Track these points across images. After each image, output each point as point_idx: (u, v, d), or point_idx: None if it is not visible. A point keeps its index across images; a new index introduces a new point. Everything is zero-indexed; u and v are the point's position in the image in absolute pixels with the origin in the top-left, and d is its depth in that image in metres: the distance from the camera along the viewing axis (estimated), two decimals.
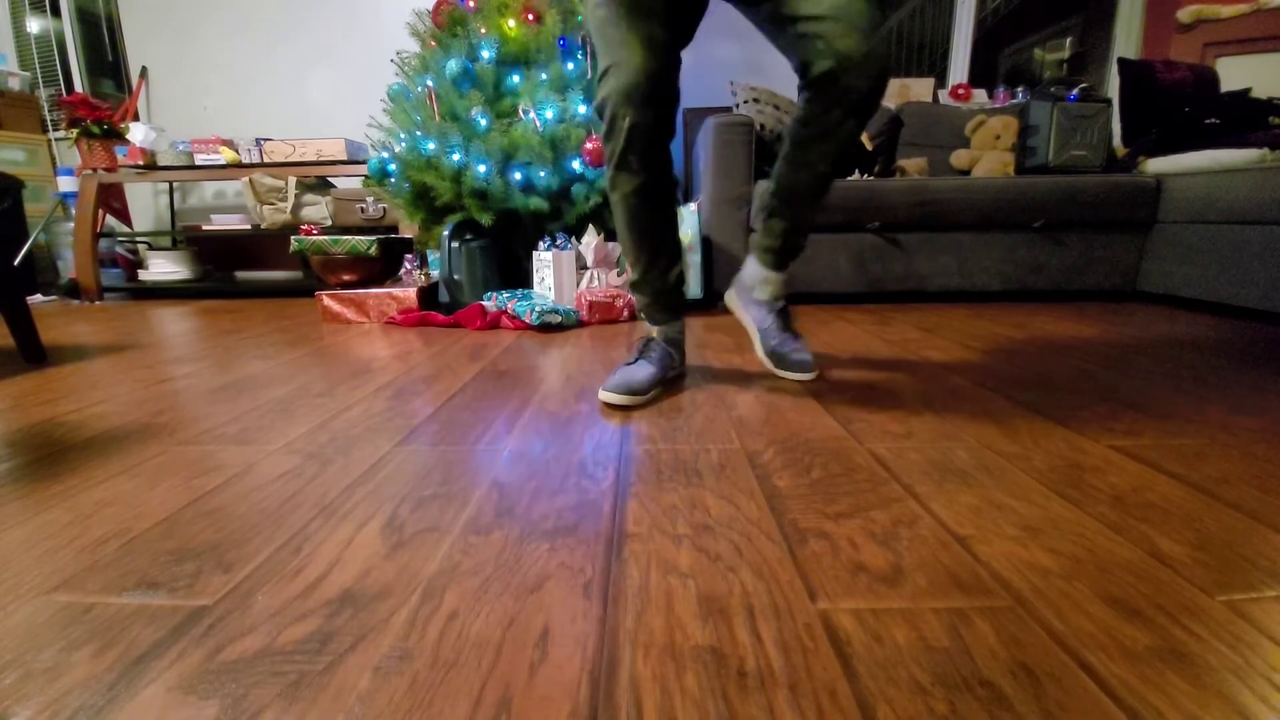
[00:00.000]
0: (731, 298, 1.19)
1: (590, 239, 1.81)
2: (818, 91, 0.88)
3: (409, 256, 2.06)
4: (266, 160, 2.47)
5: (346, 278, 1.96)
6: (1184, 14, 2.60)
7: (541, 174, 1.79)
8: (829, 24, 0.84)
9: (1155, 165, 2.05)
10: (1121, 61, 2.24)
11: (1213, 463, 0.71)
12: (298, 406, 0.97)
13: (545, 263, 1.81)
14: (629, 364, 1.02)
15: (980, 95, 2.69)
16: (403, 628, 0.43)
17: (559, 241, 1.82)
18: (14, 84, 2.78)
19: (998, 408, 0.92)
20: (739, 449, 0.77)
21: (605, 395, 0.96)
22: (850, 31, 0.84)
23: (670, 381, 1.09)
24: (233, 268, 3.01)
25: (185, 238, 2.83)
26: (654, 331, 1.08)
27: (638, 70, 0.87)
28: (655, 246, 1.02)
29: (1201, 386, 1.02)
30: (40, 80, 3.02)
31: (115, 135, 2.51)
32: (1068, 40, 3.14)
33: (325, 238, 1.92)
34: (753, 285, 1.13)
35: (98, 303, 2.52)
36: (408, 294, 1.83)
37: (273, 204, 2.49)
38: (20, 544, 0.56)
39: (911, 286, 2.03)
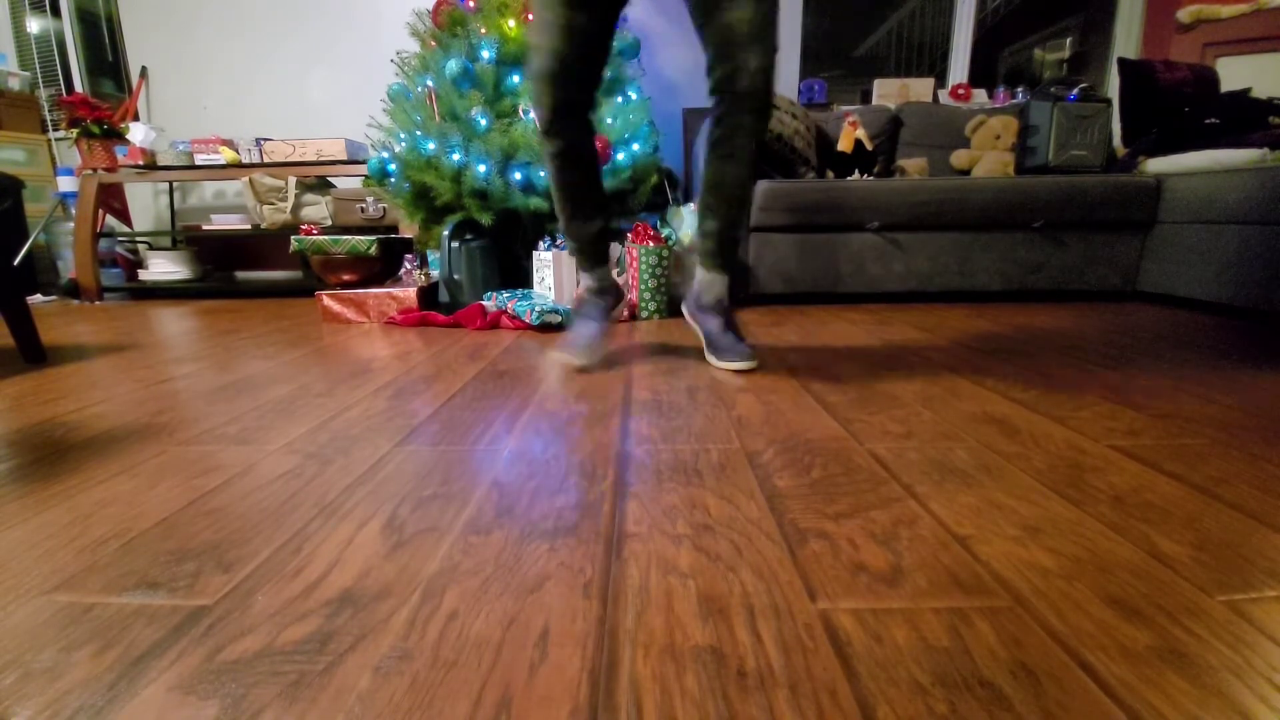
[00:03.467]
0: (687, 309, 1.29)
1: None
2: (719, 93, 1.06)
3: (409, 256, 2.06)
4: (266, 160, 2.47)
5: (346, 278, 1.96)
6: (1184, 14, 2.60)
7: (541, 174, 1.79)
8: (722, 45, 1.00)
9: (1155, 165, 2.05)
10: (1121, 61, 2.24)
11: (1213, 463, 0.71)
12: (298, 406, 0.97)
13: (545, 263, 1.81)
14: (572, 327, 1.20)
15: (980, 95, 2.69)
16: (403, 628, 0.43)
17: (559, 241, 1.82)
18: (14, 84, 2.78)
19: (998, 408, 0.92)
20: (739, 449, 0.77)
21: (563, 356, 1.13)
22: (741, 54, 0.99)
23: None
24: (233, 268, 3.01)
25: (185, 238, 2.83)
26: (580, 290, 1.25)
27: (555, 56, 1.02)
28: (576, 200, 1.18)
29: (1201, 387, 1.02)
30: (40, 80, 3.02)
31: (115, 135, 2.51)
32: (1068, 40, 3.14)
33: (325, 238, 1.92)
34: (700, 291, 1.23)
35: (98, 303, 2.52)
36: (408, 294, 1.83)
37: (273, 204, 2.49)
38: (20, 544, 0.56)
39: (911, 286, 2.03)
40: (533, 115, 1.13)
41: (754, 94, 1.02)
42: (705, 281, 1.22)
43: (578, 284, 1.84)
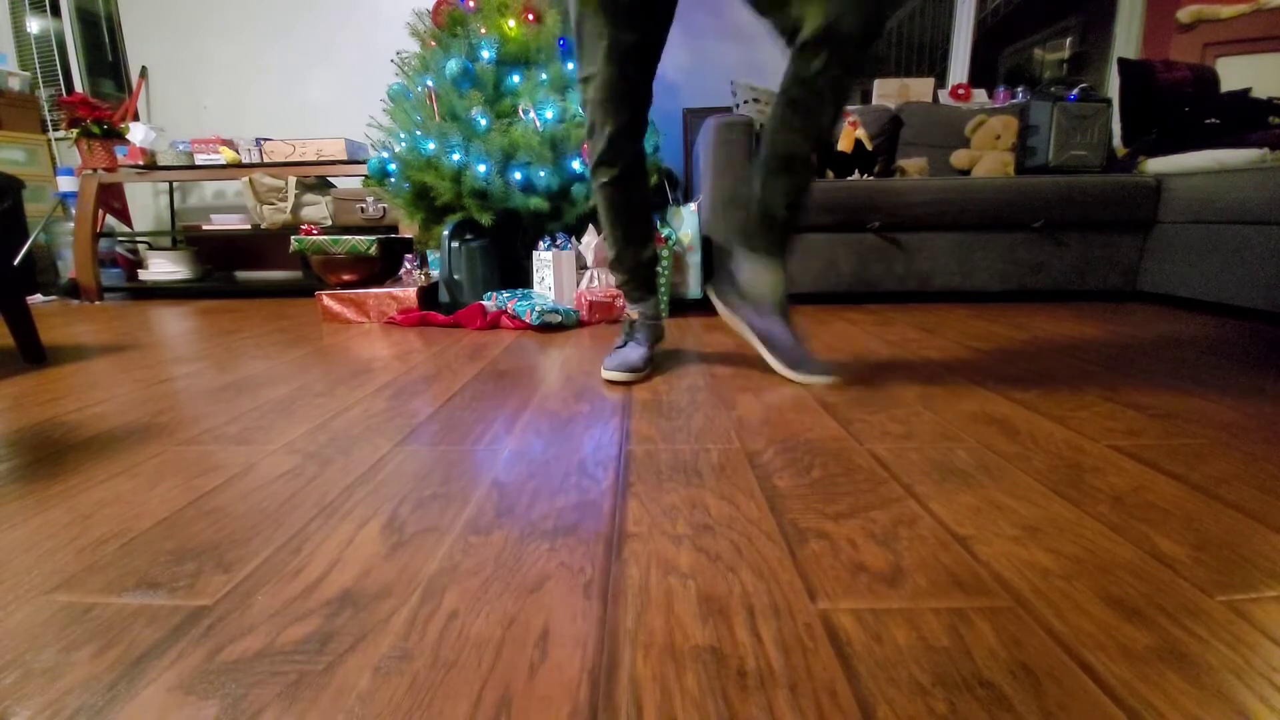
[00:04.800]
0: (727, 305, 1.11)
1: (590, 239, 1.81)
2: (814, 46, 0.85)
3: (409, 256, 2.06)
4: (266, 160, 2.47)
5: (346, 278, 1.96)
6: (1184, 14, 2.60)
7: (541, 174, 1.79)
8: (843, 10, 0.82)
9: (1155, 165, 2.05)
10: (1121, 61, 2.24)
11: (1213, 463, 0.71)
12: (298, 406, 0.97)
13: (545, 263, 1.81)
14: (621, 346, 1.15)
15: (980, 95, 2.69)
16: (403, 628, 0.43)
17: (559, 241, 1.82)
18: (14, 84, 2.78)
19: (998, 408, 0.92)
20: (739, 449, 0.77)
21: (609, 375, 1.07)
22: None
23: (658, 353, 1.24)
24: (233, 268, 3.01)
25: (185, 238, 2.83)
26: (634, 313, 1.19)
27: (611, 81, 0.98)
28: (630, 229, 1.14)
29: (1201, 386, 1.02)
30: (40, 80, 3.02)
31: (115, 135, 2.51)
32: (1068, 40, 3.14)
33: (325, 238, 1.92)
34: (753, 286, 1.06)
35: (98, 303, 2.52)
36: (408, 294, 1.83)
37: (273, 204, 2.49)
38: (20, 544, 0.56)
39: (911, 286, 2.03)
40: (587, 147, 1.08)
41: (862, 36, 0.84)
42: (761, 274, 1.05)
43: (578, 284, 1.84)
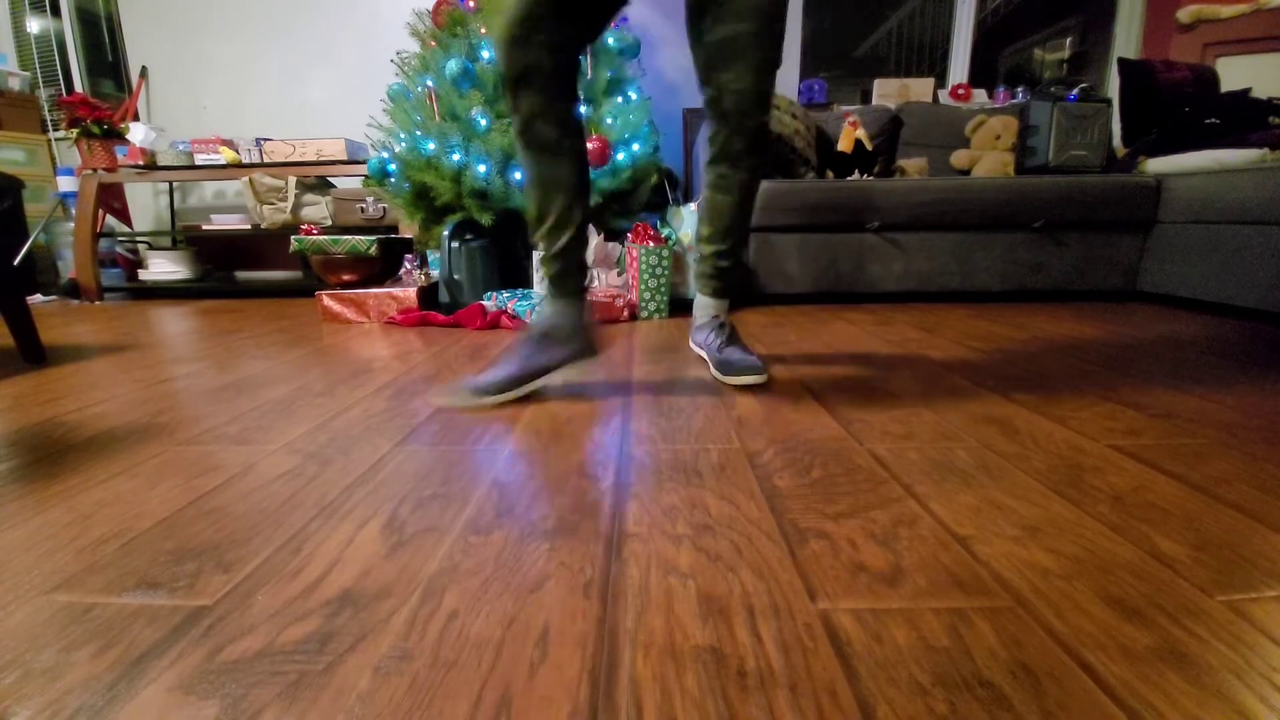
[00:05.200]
0: (691, 341, 1.23)
1: (590, 239, 1.81)
2: (710, 109, 1.00)
3: (409, 256, 2.06)
4: (266, 160, 2.47)
5: (346, 278, 1.96)
6: (1184, 14, 2.60)
7: None
8: (723, 87, 0.95)
9: (1155, 165, 2.05)
10: (1121, 61, 2.24)
11: (1213, 463, 0.71)
12: (298, 406, 0.97)
13: None
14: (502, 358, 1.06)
15: (980, 95, 2.69)
16: (403, 628, 0.43)
17: None
18: (14, 84, 2.78)
19: (998, 408, 0.92)
20: (739, 449, 0.77)
21: (434, 395, 1.00)
22: (736, 84, 0.94)
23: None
24: (233, 268, 3.01)
25: (185, 238, 2.83)
26: (545, 320, 1.00)
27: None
28: (554, 190, 0.96)
29: (1201, 386, 1.02)
30: (40, 80, 3.01)
31: (115, 135, 2.51)
32: (1068, 40, 3.14)
33: (325, 238, 1.92)
34: (699, 316, 1.19)
35: (98, 303, 2.52)
36: (408, 294, 1.83)
37: (273, 204, 2.49)
38: (20, 544, 0.56)
39: (911, 286, 2.03)
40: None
41: (738, 116, 0.95)
42: (701, 305, 1.18)
43: None
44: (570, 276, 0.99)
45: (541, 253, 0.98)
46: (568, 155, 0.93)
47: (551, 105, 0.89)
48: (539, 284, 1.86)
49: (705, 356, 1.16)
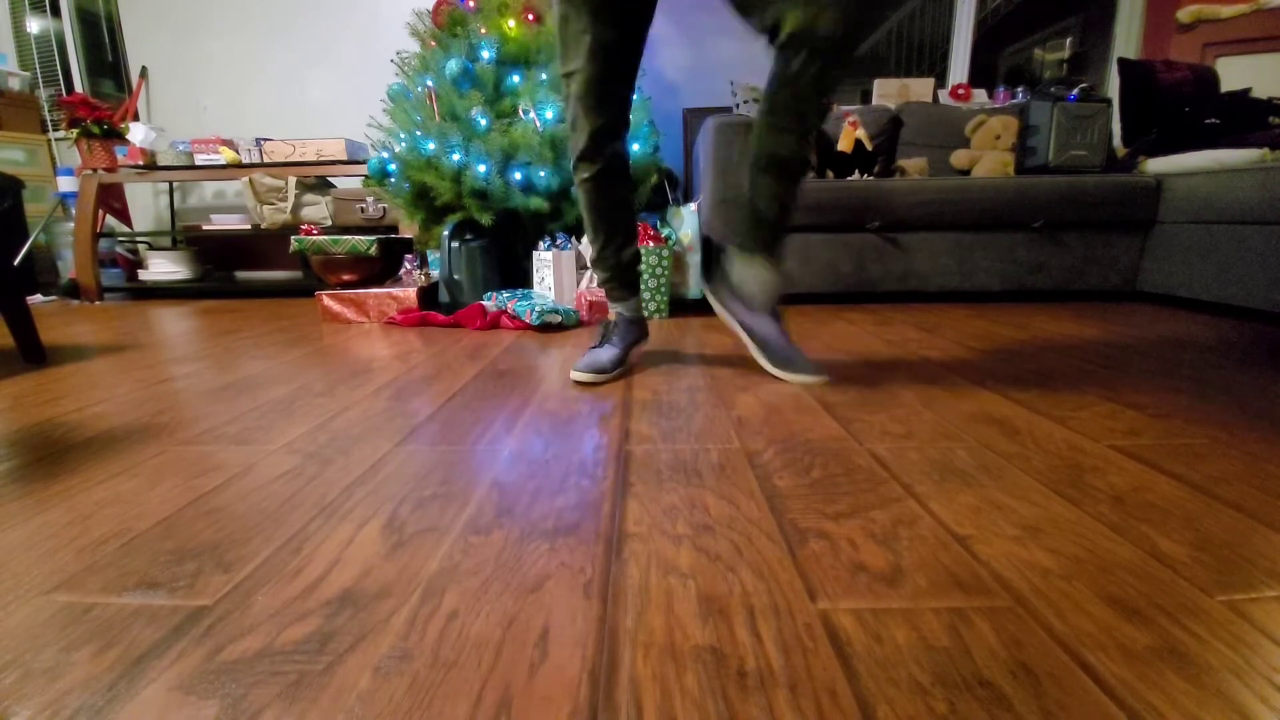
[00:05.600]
0: (719, 301, 1.14)
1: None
2: (793, 47, 0.86)
3: (409, 256, 2.06)
4: (266, 160, 2.47)
5: (346, 278, 1.96)
6: (1184, 14, 2.60)
7: (541, 174, 1.79)
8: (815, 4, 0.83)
9: (1155, 165, 2.05)
10: (1121, 61, 2.24)
11: (1213, 463, 0.71)
12: (298, 406, 0.97)
13: (545, 262, 1.81)
14: (595, 347, 1.15)
15: (980, 95, 2.69)
16: (403, 628, 0.43)
17: (559, 241, 1.82)
18: (14, 84, 2.78)
19: (998, 408, 0.92)
20: (739, 449, 0.77)
21: (575, 375, 1.08)
22: None
23: (637, 352, 1.26)
24: (233, 268, 3.01)
25: (185, 238, 2.83)
26: (613, 315, 1.20)
27: (593, 78, 0.98)
28: (611, 226, 1.14)
29: (1201, 386, 1.02)
30: (40, 80, 3.02)
31: (115, 135, 2.51)
32: (1068, 40, 3.14)
33: (325, 238, 1.92)
34: (744, 284, 1.08)
35: (98, 303, 2.52)
36: (408, 294, 1.83)
37: (273, 204, 2.49)
38: (20, 544, 0.56)
39: (911, 286, 2.03)
40: (569, 144, 1.08)
41: (841, 37, 0.83)
42: (754, 275, 1.06)
43: (578, 284, 1.84)
44: (636, 277, 1.22)
45: (603, 267, 1.18)
46: (627, 177, 1.13)
47: (610, 166, 1.08)
48: (539, 284, 1.86)
49: (753, 344, 1.10)
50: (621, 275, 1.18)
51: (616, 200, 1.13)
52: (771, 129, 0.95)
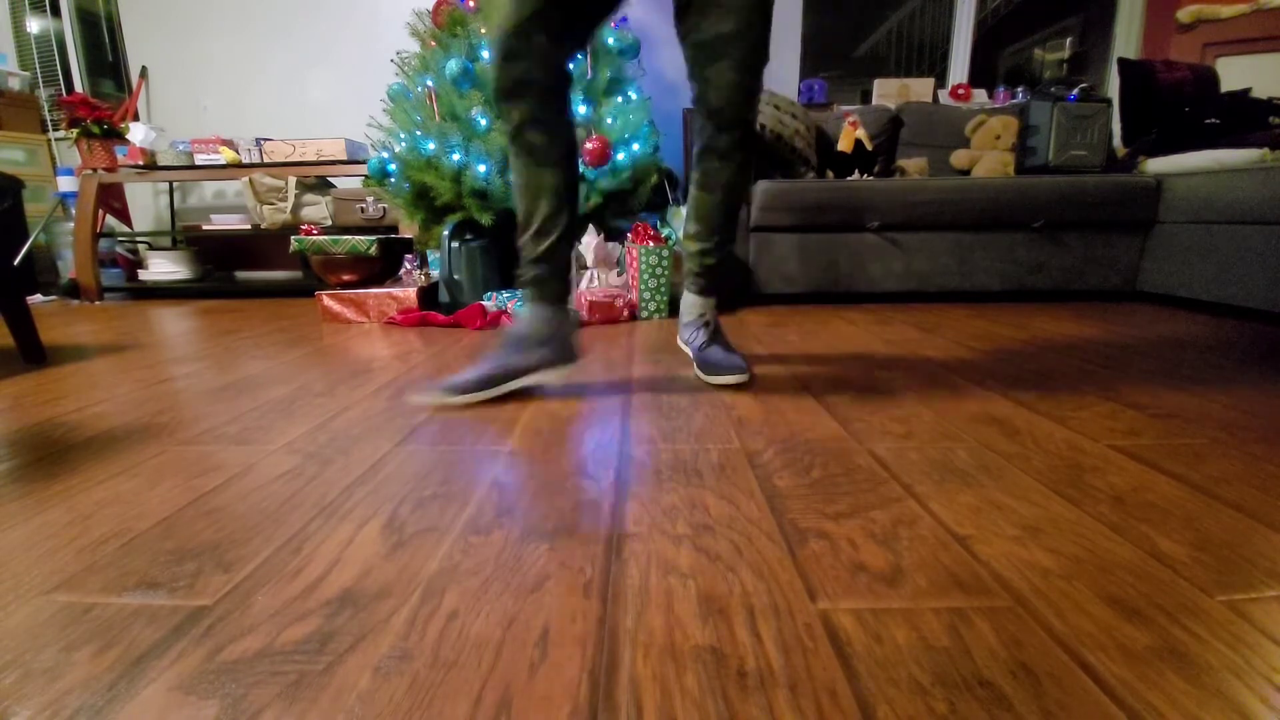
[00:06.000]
0: (679, 339, 1.20)
1: (590, 239, 1.81)
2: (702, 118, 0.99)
3: (409, 256, 2.06)
4: (266, 160, 2.47)
5: (346, 278, 1.96)
6: (1184, 14, 2.60)
7: None
8: (709, 83, 0.95)
9: (1155, 165, 2.05)
10: (1121, 61, 2.24)
11: (1213, 463, 0.71)
12: (298, 406, 0.97)
13: None
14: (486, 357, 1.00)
15: (980, 95, 2.69)
16: (403, 628, 0.43)
17: None
18: (14, 84, 2.77)
19: (998, 408, 0.92)
20: (739, 449, 0.77)
21: (416, 395, 1.00)
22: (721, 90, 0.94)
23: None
24: (233, 268, 3.01)
25: (185, 238, 2.83)
26: (531, 319, 1.01)
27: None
28: (542, 196, 0.96)
29: (1201, 386, 1.02)
30: (40, 80, 3.01)
31: (115, 135, 2.51)
32: (1068, 40, 3.14)
33: (325, 238, 1.92)
34: (685, 313, 1.17)
35: (98, 303, 2.52)
36: (408, 294, 1.83)
37: (273, 204, 2.49)
38: (20, 544, 0.56)
39: (911, 286, 2.03)
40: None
41: (724, 112, 0.95)
42: (687, 303, 1.16)
43: (577, 284, 1.84)
44: (550, 282, 0.99)
45: (525, 256, 0.98)
46: (555, 163, 0.94)
47: (542, 114, 0.91)
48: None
49: (690, 355, 1.15)
50: (553, 265, 0.98)
51: (558, 154, 0.94)
52: (695, 185, 1.07)
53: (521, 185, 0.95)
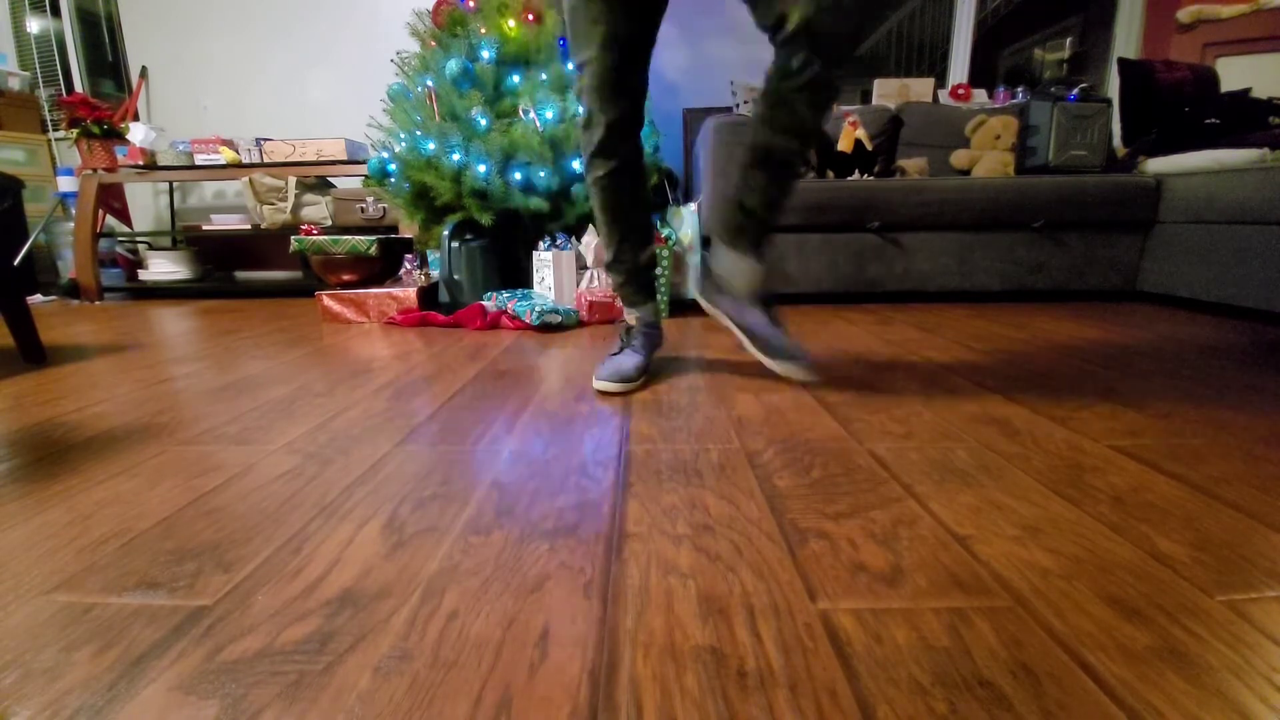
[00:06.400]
0: (706, 297, 1.11)
1: (590, 239, 1.81)
2: (794, 44, 0.85)
3: (409, 256, 2.06)
4: (266, 160, 2.47)
5: (346, 278, 1.96)
6: (1184, 14, 2.60)
7: (541, 174, 1.79)
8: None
9: (1155, 165, 2.05)
10: (1121, 61, 2.24)
11: (1213, 463, 0.71)
12: (298, 406, 0.97)
13: (545, 263, 1.81)
14: (615, 354, 1.10)
15: (980, 95, 2.69)
16: (403, 628, 0.43)
17: (559, 241, 1.82)
18: (14, 84, 2.77)
19: (998, 408, 0.92)
20: (739, 449, 0.77)
21: (600, 384, 1.03)
22: None
23: (655, 361, 1.20)
24: (233, 268, 3.01)
25: (185, 238, 2.83)
26: (632, 319, 1.14)
27: (608, 68, 0.95)
28: (628, 226, 1.09)
29: (1201, 386, 1.02)
30: (40, 80, 3.01)
31: (115, 135, 2.51)
32: (1068, 40, 3.14)
33: (325, 238, 1.92)
34: (729, 278, 1.05)
35: (98, 303, 2.52)
36: (408, 294, 1.83)
37: (273, 204, 2.49)
38: (20, 544, 0.56)
39: (911, 286, 2.03)
40: (582, 140, 1.02)
41: (842, 35, 0.83)
42: (735, 267, 1.03)
43: (578, 284, 1.84)
44: (652, 282, 1.17)
45: (614, 277, 1.14)
46: (634, 203, 1.09)
47: (625, 160, 1.03)
48: (539, 284, 1.86)
49: (745, 330, 1.05)
50: (639, 278, 1.13)
51: (634, 199, 1.08)
52: (766, 124, 0.93)
53: (615, 208, 1.08)
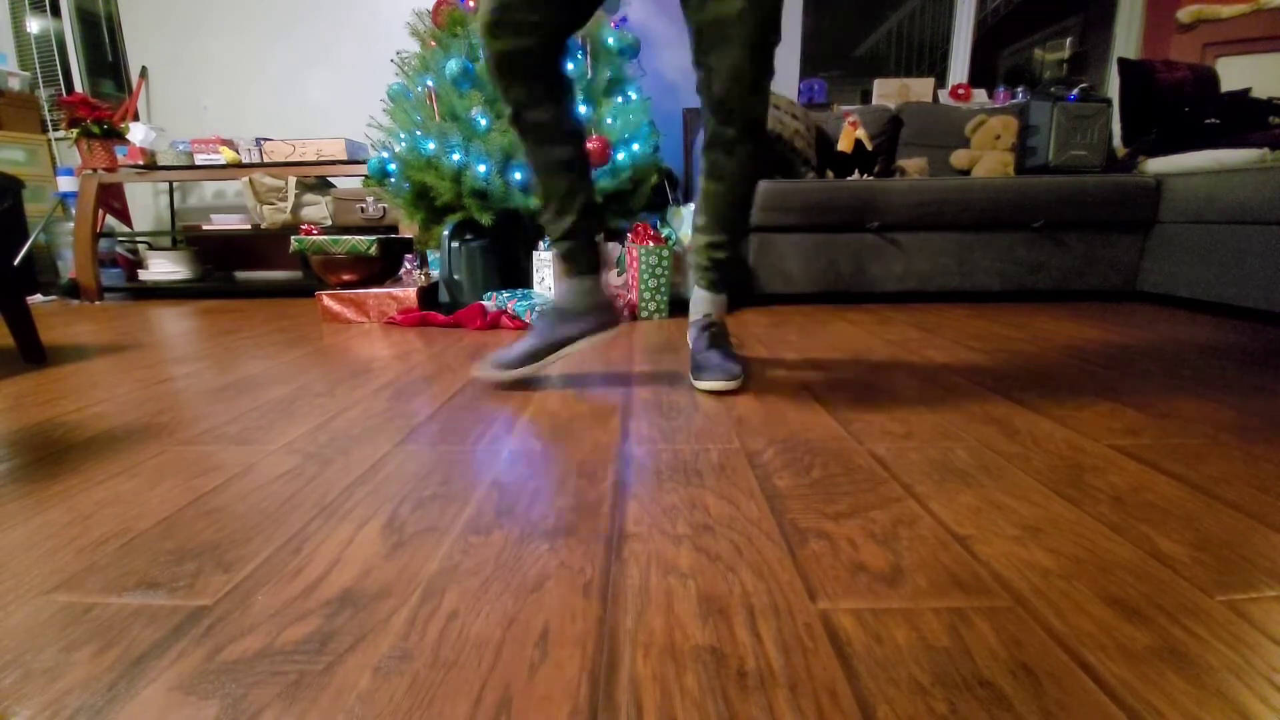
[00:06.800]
0: (688, 336, 1.16)
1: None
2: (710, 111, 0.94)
3: (409, 256, 2.06)
4: (266, 160, 2.47)
5: (346, 278, 1.96)
6: (1184, 14, 2.60)
7: None
8: (713, 70, 0.89)
9: (1155, 165, 2.05)
10: (1121, 61, 2.24)
11: (1213, 463, 0.71)
12: (298, 406, 0.97)
13: (545, 262, 1.81)
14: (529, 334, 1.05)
15: (980, 95, 2.69)
16: (403, 628, 0.43)
17: None
18: (14, 84, 2.77)
19: (998, 408, 0.92)
20: (739, 449, 0.77)
21: (475, 369, 1.03)
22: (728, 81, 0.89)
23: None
24: (233, 268, 3.01)
25: (185, 238, 2.83)
26: (565, 298, 1.05)
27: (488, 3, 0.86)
28: (553, 157, 0.98)
29: (1201, 386, 1.02)
30: (40, 80, 3.01)
31: (115, 135, 2.51)
32: (1068, 40, 3.14)
33: (325, 238, 1.92)
34: (693, 310, 1.14)
35: (98, 303, 2.52)
36: (408, 294, 1.83)
37: (273, 204, 2.49)
38: (20, 544, 0.56)
39: (911, 286, 2.03)
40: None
41: (726, 103, 0.90)
42: (696, 300, 1.12)
43: None
44: (581, 254, 1.02)
45: (551, 235, 1.02)
46: (563, 138, 0.95)
47: (538, 90, 0.91)
48: (539, 284, 1.86)
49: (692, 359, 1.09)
50: (580, 235, 1.00)
51: (552, 119, 0.94)
52: (703, 175, 1.02)
53: (534, 166, 0.98)
